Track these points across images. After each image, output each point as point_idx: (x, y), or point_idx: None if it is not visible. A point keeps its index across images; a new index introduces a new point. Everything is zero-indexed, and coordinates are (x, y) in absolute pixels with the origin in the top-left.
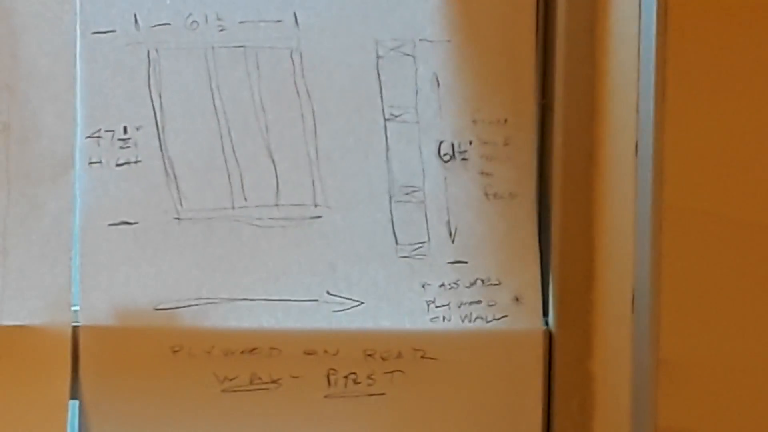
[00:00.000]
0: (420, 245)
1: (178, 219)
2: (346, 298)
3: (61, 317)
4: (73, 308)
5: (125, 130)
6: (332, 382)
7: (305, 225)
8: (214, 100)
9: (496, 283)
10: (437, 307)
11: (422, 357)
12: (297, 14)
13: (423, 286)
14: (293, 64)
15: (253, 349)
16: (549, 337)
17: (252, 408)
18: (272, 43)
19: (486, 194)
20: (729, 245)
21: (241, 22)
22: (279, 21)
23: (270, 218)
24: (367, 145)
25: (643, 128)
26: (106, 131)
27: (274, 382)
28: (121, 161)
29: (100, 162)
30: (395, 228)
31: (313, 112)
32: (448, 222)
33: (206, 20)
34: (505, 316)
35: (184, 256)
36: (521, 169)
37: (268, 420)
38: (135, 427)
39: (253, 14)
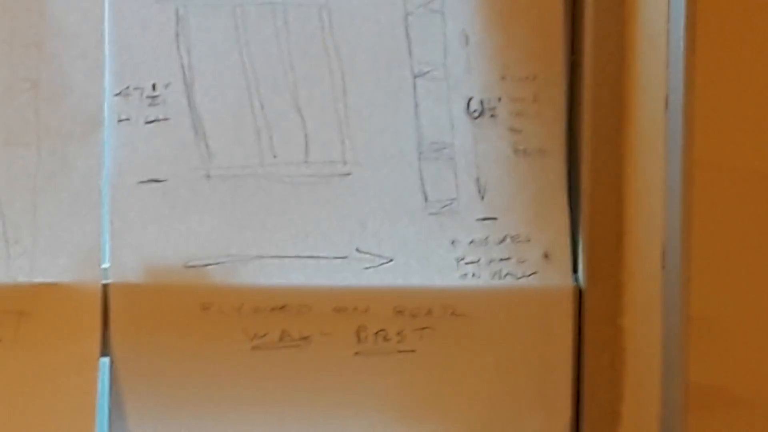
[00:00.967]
0: (449, 202)
1: (208, 176)
2: (376, 255)
3: (91, 275)
4: (103, 266)
5: (154, 87)
6: (362, 338)
7: (334, 182)
8: (242, 57)
9: (526, 239)
10: (467, 263)
11: (452, 314)
12: None
13: (452, 243)
14: (321, 21)
15: (283, 306)
16: (579, 293)
17: (282, 365)
18: (300, 0)
19: (515, 150)
20: (759, 200)
21: None
22: None
23: (299, 175)
24: (395, 101)
25: (674, 83)
26: (135, 88)
27: (303, 339)
28: (150, 118)
29: (129, 119)
30: (424, 185)
31: (342, 69)
32: (477, 179)
33: None
34: (535, 272)
35: (213, 214)
36: (550, 125)
37: (298, 377)
38: (165, 383)
39: None
